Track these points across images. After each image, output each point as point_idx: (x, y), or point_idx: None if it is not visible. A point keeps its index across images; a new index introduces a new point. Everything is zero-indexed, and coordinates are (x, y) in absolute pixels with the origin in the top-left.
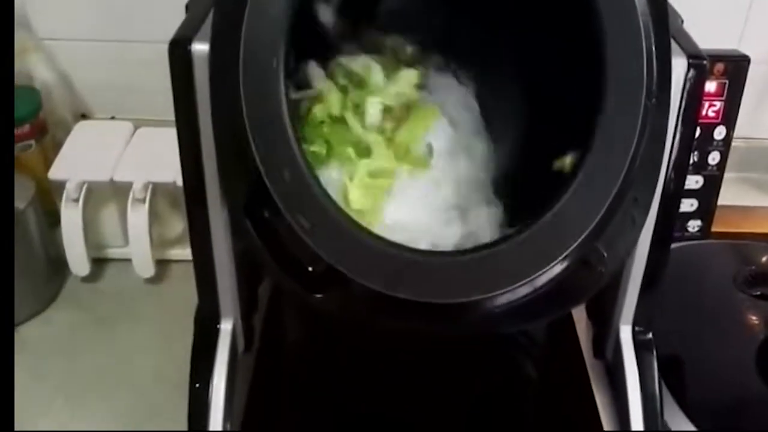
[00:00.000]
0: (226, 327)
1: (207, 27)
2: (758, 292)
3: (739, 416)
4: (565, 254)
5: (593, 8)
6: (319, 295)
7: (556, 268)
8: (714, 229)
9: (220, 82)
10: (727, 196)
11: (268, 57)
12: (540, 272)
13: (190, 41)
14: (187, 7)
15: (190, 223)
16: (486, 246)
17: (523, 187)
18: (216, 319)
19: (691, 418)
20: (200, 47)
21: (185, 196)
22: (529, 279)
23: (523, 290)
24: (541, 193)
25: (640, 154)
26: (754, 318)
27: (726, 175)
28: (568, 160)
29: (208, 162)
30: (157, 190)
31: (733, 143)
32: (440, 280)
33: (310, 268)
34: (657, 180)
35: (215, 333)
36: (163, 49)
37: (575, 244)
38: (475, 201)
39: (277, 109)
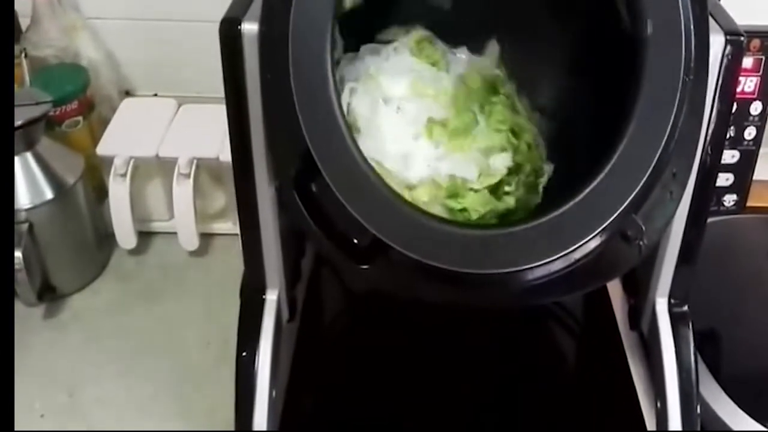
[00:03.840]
0: (271, 297)
1: (256, 7)
2: None
3: None
4: (603, 227)
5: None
6: (364, 266)
7: (595, 241)
8: (749, 203)
9: (270, 61)
10: (762, 171)
11: (316, 36)
12: (579, 244)
13: (240, 21)
14: None
15: (238, 198)
16: (526, 219)
17: (565, 155)
18: (262, 290)
19: (727, 391)
20: (250, 26)
21: (234, 171)
22: (568, 251)
23: (561, 262)
24: (582, 163)
25: (678, 130)
26: None
27: (762, 150)
28: None
29: (256, 139)
30: (200, 165)
31: None
32: (481, 251)
33: (355, 240)
34: (695, 155)
35: (261, 303)
36: (204, 28)
37: (614, 217)
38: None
39: (324, 86)
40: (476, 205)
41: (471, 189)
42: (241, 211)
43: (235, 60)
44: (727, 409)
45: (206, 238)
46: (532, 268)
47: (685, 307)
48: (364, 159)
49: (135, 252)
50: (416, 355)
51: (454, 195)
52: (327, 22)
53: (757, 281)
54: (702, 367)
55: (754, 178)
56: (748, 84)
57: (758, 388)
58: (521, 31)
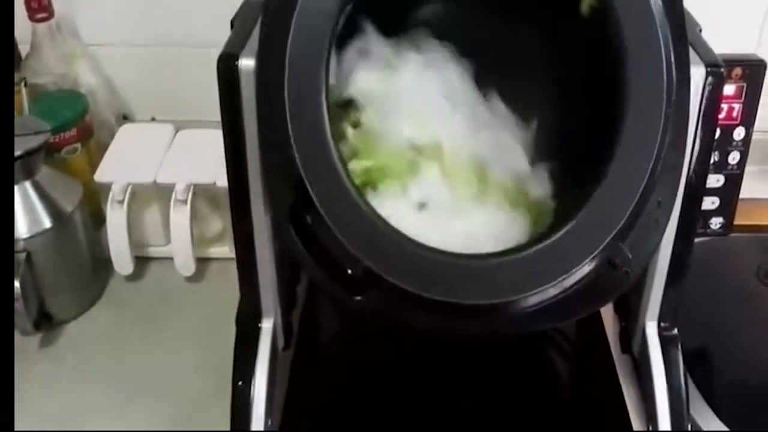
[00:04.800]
0: (267, 325)
1: (253, 42)
2: None
3: (765, 409)
4: (592, 256)
5: (614, 23)
6: (357, 297)
7: (584, 270)
8: (737, 222)
9: (266, 96)
10: (749, 189)
11: (312, 70)
12: (569, 273)
13: (237, 56)
14: (232, 22)
15: (234, 227)
16: (516, 249)
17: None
18: (257, 318)
19: (717, 412)
20: (247, 62)
21: (230, 201)
22: (558, 280)
23: (552, 291)
24: (571, 193)
25: (662, 160)
26: None
27: (749, 168)
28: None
29: (253, 168)
30: (197, 190)
31: (757, 136)
32: (473, 281)
33: (349, 271)
34: (678, 184)
35: (256, 331)
36: (202, 53)
37: (601, 246)
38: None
39: (319, 121)
40: None
41: None
42: (237, 240)
43: (233, 94)
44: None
45: (203, 262)
46: (523, 297)
47: (675, 330)
48: (358, 190)
49: (132, 278)
50: (412, 380)
51: None
52: (322, 57)
53: (747, 300)
54: (692, 388)
55: (742, 196)
56: (730, 111)
57: (748, 408)
58: (513, 74)
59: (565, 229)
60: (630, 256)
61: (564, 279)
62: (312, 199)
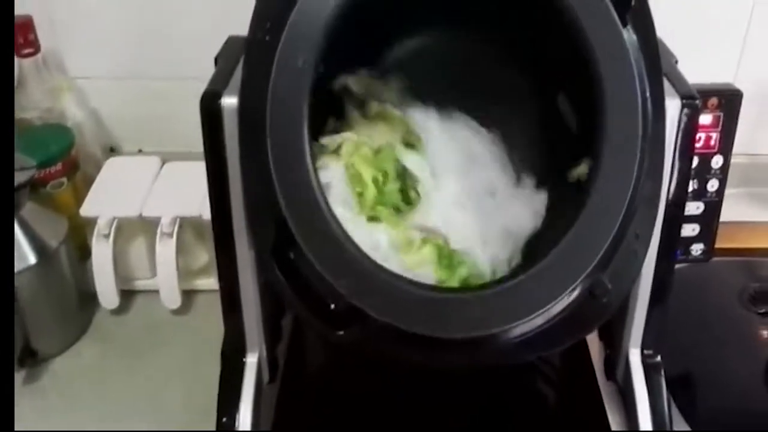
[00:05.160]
0: (251, 360)
1: (236, 79)
2: (764, 310)
3: None
4: (572, 287)
5: (589, 60)
6: (340, 332)
7: (564, 302)
8: (719, 245)
9: (248, 134)
10: (731, 213)
11: (293, 109)
12: (549, 306)
13: (220, 95)
14: (216, 60)
15: (218, 260)
16: (496, 282)
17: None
18: (242, 353)
19: None
20: (230, 101)
21: (214, 235)
22: (537, 313)
23: (534, 323)
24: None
25: (639, 192)
26: (760, 335)
27: (730, 191)
28: (582, 168)
29: (236, 202)
30: (183, 222)
31: (737, 159)
32: (456, 315)
33: (332, 306)
34: (656, 215)
35: (241, 366)
36: (187, 86)
37: (580, 279)
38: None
39: (301, 158)
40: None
41: None
42: (221, 274)
43: (216, 132)
44: None
45: (189, 295)
46: (504, 330)
47: (658, 357)
48: (340, 226)
49: (117, 311)
50: (400, 412)
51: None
52: (304, 94)
53: (729, 325)
54: (676, 413)
55: (724, 219)
56: (708, 139)
57: None
58: (491, 110)
59: (545, 261)
60: (609, 286)
61: (544, 311)
62: (294, 236)
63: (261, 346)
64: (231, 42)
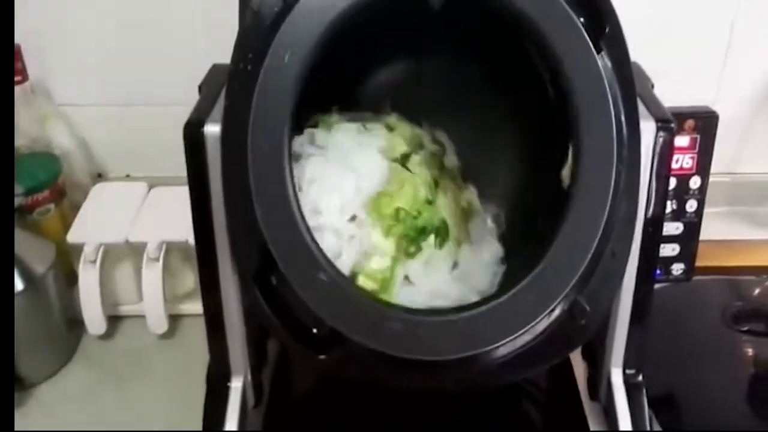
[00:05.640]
0: (236, 384)
1: (219, 107)
2: (746, 328)
3: None
4: (549, 309)
5: (565, 86)
6: (322, 356)
7: (542, 324)
8: (702, 263)
9: (231, 162)
10: (714, 231)
11: (274, 136)
12: (527, 327)
13: (203, 123)
14: (200, 88)
15: (202, 285)
16: (475, 304)
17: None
18: (227, 377)
19: None
20: (212, 129)
21: (198, 261)
22: (518, 334)
23: (513, 344)
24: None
25: (616, 214)
26: (743, 353)
27: (713, 210)
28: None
29: (219, 228)
30: (170, 247)
31: (720, 178)
32: (436, 338)
33: (314, 330)
34: (632, 235)
35: (225, 391)
36: (173, 112)
37: (558, 301)
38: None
39: (282, 185)
40: None
41: None
42: (205, 299)
43: (199, 159)
44: None
45: (175, 319)
46: (486, 351)
47: (640, 377)
48: (321, 252)
49: (104, 337)
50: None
51: None
52: (284, 122)
53: (712, 344)
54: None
55: (707, 237)
56: (686, 161)
57: None
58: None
59: (522, 284)
60: (588, 307)
61: (523, 332)
62: (276, 262)
63: (246, 369)
64: (214, 70)
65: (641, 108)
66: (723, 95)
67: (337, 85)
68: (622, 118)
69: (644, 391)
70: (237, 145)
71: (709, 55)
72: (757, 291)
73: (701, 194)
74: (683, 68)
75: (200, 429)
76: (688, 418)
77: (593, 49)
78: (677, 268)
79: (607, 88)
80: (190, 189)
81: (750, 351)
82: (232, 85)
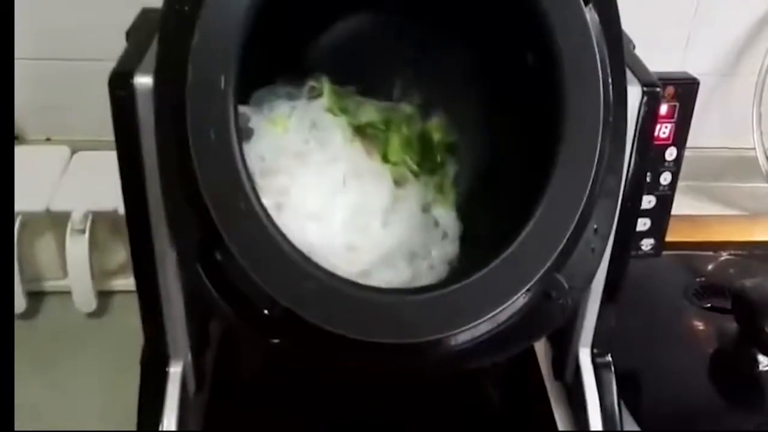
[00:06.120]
0: (175, 370)
1: (151, 57)
2: (708, 304)
3: (694, 428)
4: (525, 288)
5: (551, 45)
6: (275, 340)
7: (518, 303)
8: (667, 239)
9: (166, 118)
10: (678, 206)
11: (217, 91)
12: (500, 308)
13: (131, 75)
14: (127, 34)
15: (134, 261)
16: (445, 283)
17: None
18: (164, 363)
19: None
20: (143, 80)
21: (129, 233)
22: (489, 315)
23: (485, 326)
24: (505, 222)
25: (599, 186)
26: (705, 330)
27: (678, 184)
28: None
29: (153, 195)
30: (97, 218)
31: (686, 153)
32: (400, 319)
33: (266, 311)
34: (615, 209)
35: (163, 377)
36: (97, 67)
37: (536, 278)
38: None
39: (228, 146)
40: None
41: None
42: (138, 277)
43: (128, 117)
44: None
45: (105, 296)
46: (452, 335)
47: (608, 357)
48: (273, 223)
49: (25, 315)
50: (339, 416)
51: None
52: (230, 70)
53: (675, 321)
54: (625, 413)
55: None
56: (663, 130)
57: (677, 427)
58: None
59: (497, 261)
60: (566, 286)
61: (496, 313)
62: (221, 235)
63: (186, 353)
64: (144, 15)
65: (626, 70)
66: (685, 68)
67: (286, 47)
68: (609, 79)
69: (612, 370)
70: (173, 98)
71: (673, 28)
72: (713, 265)
73: (676, 166)
74: (646, 41)
75: (135, 420)
76: (650, 395)
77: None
78: (647, 244)
79: (595, 45)
80: (118, 151)
81: (711, 327)
82: (166, 29)
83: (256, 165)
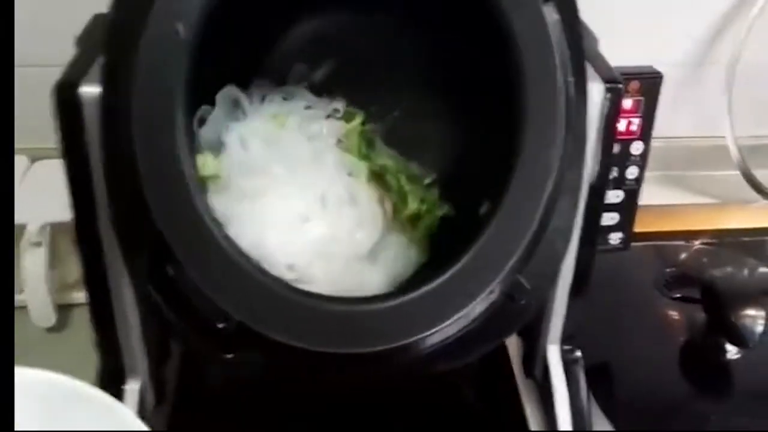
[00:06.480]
0: (132, 387)
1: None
2: (678, 295)
3: (666, 420)
4: (487, 292)
5: (510, 43)
6: (230, 355)
7: (480, 306)
8: (635, 229)
9: (112, 130)
10: (646, 196)
11: (165, 100)
12: (462, 312)
13: (76, 84)
14: (78, 40)
15: (85, 275)
16: (405, 289)
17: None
18: (120, 379)
19: (619, 428)
20: (89, 90)
21: (79, 246)
22: (448, 322)
23: (448, 330)
24: (463, 232)
25: (560, 185)
26: (675, 321)
27: (645, 175)
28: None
29: (103, 208)
30: (57, 229)
31: (654, 143)
32: (361, 329)
33: (220, 326)
34: (577, 207)
35: (119, 395)
36: (57, 73)
37: (497, 280)
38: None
39: (174, 157)
40: None
41: None
42: (89, 291)
43: (74, 128)
44: None
45: (65, 310)
46: (415, 341)
47: (578, 353)
48: (225, 236)
49: None
50: (306, 426)
51: None
52: (178, 79)
53: (645, 312)
54: (595, 407)
55: (640, 203)
56: (628, 125)
57: (649, 420)
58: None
59: (458, 265)
60: (529, 287)
61: (459, 317)
62: (171, 248)
63: (144, 369)
64: (96, 21)
65: (587, 67)
66: (656, 58)
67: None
68: (569, 77)
69: (582, 366)
70: (118, 109)
71: (646, 16)
72: (685, 255)
73: (643, 160)
74: (616, 31)
75: None
76: (621, 389)
77: None
78: (615, 237)
79: (554, 44)
80: (65, 163)
81: (682, 318)
82: (112, 37)
83: (235, 148)
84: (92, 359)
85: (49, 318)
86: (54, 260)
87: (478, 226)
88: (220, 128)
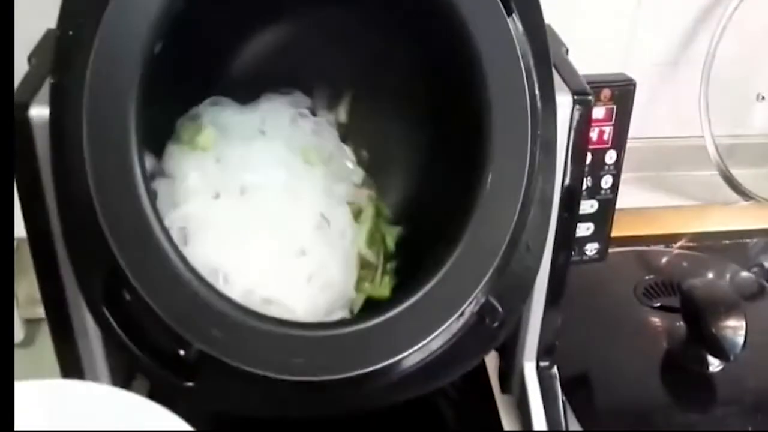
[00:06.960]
0: None
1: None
2: (658, 304)
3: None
4: (456, 315)
5: (472, 55)
6: (190, 384)
7: (450, 330)
8: (613, 234)
9: (63, 152)
10: (623, 199)
11: (117, 122)
12: (432, 336)
13: (27, 105)
14: (29, 59)
15: (43, 297)
16: (372, 315)
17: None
18: None
19: None
20: (40, 112)
21: (35, 267)
22: (422, 344)
23: (416, 356)
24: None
25: (529, 202)
26: (655, 330)
27: (622, 176)
28: None
29: (58, 229)
30: (20, 243)
31: (631, 144)
32: (329, 355)
33: (181, 353)
34: (548, 224)
35: None
36: None
37: (467, 303)
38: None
39: (129, 177)
40: None
41: None
42: (48, 311)
43: (25, 149)
44: None
45: (33, 324)
46: (383, 368)
47: (554, 369)
48: (183, 259)
49: None
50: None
51: None
52: (129, 99)
53: (625, 321)
54: (571, 416)
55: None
56: (601, 134)
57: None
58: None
59: (426, 289)
60: (500, 308)
61: (428, 341)
62: (126, 274)
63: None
64: (50, 37)
65: (556, 78)
66: (632, 59)
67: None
68: (536, 90)
69: (558, 383)
70: (69, 131)
71: (620, 18)
72: (665, 260)
73: (617, 169)
74: (592, 32)
75: None
76: (601, 399)
77: (503, 10)
78: (591, 248)
79: (520, 57)
80: (18, 186)
81: (662, 327)
82: (61, 57)
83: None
84: (57, 372)
85: (17, 333)
86: (19, 274)
87: (447, 248)
88: None
